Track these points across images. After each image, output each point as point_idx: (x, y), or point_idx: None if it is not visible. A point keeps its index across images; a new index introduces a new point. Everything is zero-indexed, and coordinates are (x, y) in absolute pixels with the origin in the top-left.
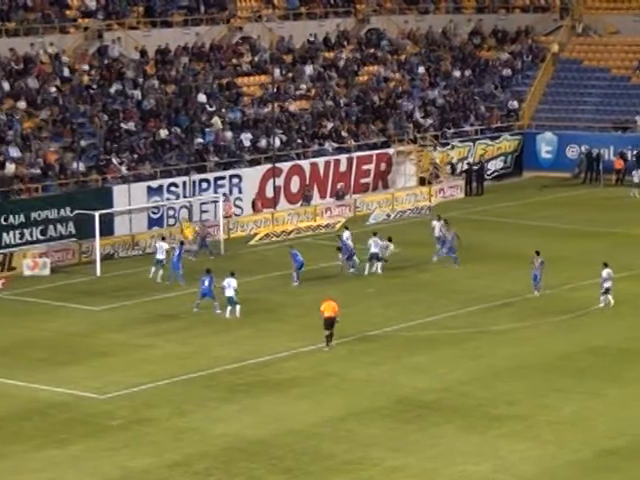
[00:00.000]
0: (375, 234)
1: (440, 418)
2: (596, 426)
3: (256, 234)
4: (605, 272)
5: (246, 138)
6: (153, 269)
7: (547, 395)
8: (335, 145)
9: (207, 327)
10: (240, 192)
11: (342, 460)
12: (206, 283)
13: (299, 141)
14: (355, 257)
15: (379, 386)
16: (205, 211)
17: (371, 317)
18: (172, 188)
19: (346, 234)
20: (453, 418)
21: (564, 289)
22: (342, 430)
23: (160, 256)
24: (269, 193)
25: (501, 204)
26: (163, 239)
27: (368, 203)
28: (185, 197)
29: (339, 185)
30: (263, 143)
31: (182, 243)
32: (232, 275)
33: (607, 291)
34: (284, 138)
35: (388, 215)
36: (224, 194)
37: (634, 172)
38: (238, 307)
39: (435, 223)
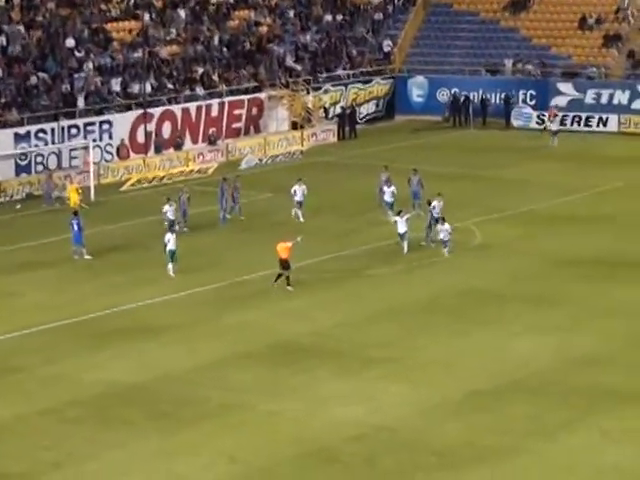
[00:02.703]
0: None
1: (314, 362)
2: (466, 367)
3: (128, 180)
4: (435, 202)
5: (116, 83)
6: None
7: (419, 337)
8: (206, 91)
9: (79, 274)
10: (110, 138)
11: (217, 404)
12: (75, 227)
13: (170, 86)
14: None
15: (253, 331)
16: (74, 157)
17: (245, 262)
18: (40, 134)
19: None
20: (327, 361)
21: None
22: (216, 375)
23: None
24: (140, 139)
25: (374, 148)
26: (168, 200)
27: (240, 148)
28: (54, 144)
29: (211, 130)
30: (134, 89)
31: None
32: (171, 230)
33: (439, 221)
34: (155, 83)
35: (260, 160)
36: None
37: (548, 121)
38: (171, 264)
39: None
